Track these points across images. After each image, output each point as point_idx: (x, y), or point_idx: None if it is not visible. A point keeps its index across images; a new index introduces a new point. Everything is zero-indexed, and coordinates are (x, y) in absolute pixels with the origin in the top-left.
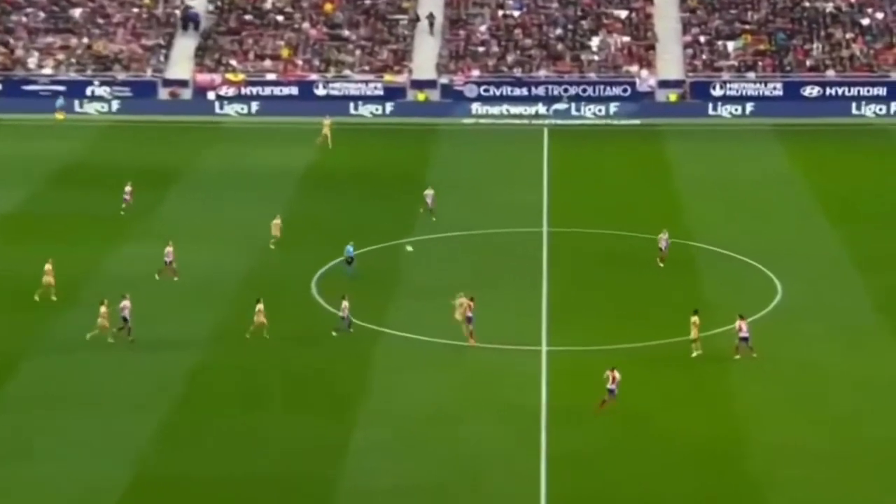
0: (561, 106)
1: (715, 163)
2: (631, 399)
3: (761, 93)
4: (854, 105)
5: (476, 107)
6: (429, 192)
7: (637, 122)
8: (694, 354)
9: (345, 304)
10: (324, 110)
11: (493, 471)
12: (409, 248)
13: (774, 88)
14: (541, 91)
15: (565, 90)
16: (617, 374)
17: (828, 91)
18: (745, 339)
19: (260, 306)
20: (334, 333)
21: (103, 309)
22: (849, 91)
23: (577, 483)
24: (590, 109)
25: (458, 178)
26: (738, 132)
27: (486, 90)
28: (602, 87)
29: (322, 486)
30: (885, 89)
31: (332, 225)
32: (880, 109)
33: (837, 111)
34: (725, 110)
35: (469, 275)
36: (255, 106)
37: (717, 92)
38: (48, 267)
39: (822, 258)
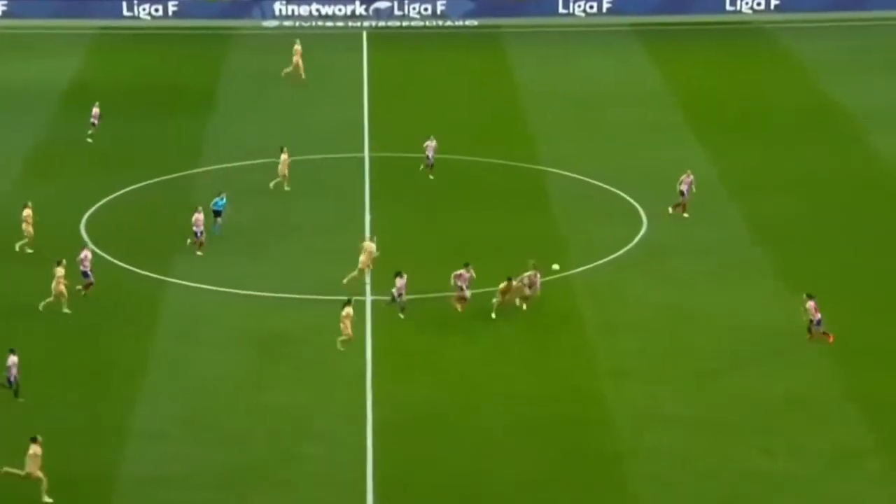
0: (382, 4)
1: (566, 70)
2: (465, 357)
3: None
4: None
5: (279, 6)
6: (430, 143)
7: (474, 22)
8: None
9: (400, 281)
10: (94, 10)
11: (311, 444)
12: (556, 267)
13: None
14: None
15: None
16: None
17: None
18: (818, 323)
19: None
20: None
21: None
22: None
23: (406, 452)
24: (415, 8)
25: (258, 95)
26: (592, 33)
27: None
28: None
29: (99, 475)
30: None
31: (101, 153)
32: (758, 4)
33: (709, 7)
34: (578, 7)
35: (277, 212)
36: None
37: None
38: None
39: (696, 180)
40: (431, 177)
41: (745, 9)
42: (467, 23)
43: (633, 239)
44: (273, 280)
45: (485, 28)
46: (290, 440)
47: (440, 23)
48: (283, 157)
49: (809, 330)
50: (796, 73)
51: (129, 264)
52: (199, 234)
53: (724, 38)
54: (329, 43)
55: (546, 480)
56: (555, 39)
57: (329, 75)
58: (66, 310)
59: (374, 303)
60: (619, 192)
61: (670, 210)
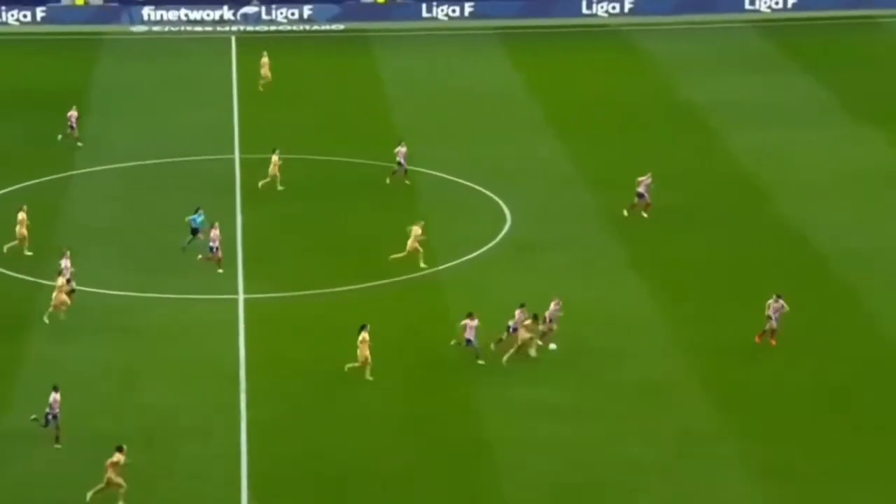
0: (249, 9)
1: (431, 72)
2: (336, 354)
3: None
4: (584, 3)
5: (148, 12)
6: (401, 149)
7: (340, 26)
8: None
9: (471, 323)
10: None
11: (186, 441)
12: (553, 347)
13: None
14: None
15: None
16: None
17: None
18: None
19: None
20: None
21: None
22: None
23: (280, 449)
24: (282, 13)
25: (127, 99)
26: (456, 36)
27: None
28: None
29: None
30: None
31: None
32: (613, 8)
33: (567, 10)
34: (441, 11)
35: (147, 213)
36: None
37: None
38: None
39: (554, 179)
40: (407, 181)
41: (600, 12)
42: (333, 27)
43: (497, 235)
44: (144, 279)
45: (351, 32)
46: (164, 438)
47: (307, 27)
48: (274, 158)
49: (767, 330)
50: (650, 72)
51: (3, 268)
52: (214, 250)
53: (583, 40)
54: (198, 48)
55: (417, 472)
56: (419, 43)
57: (199, 79)
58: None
59: (246, 301)
60: (483, 189)
61: (625, 213)
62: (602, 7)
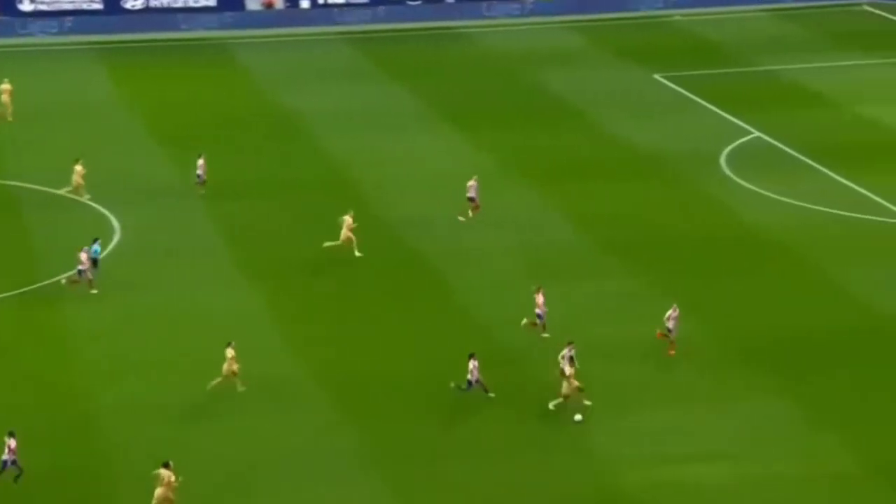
0: None
1: (30, 87)
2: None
3: (80, 7)
4: (181, 18)
5: None
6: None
7: None
8: None
9: (474, 363)
10: None
11: None
12: (579, 417)
13: (93, 2)
14: None
15: None
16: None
17: (152, 3)
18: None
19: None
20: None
21: None
22: (174, 3)
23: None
24: None
25: None
26: (54, 52)
27: None
28: None
29: None
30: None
31: None
32: (209, 23)
33: (162, 26)
34: (38, 27)
35: None
36: None
37: (27, 6)
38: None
39: (161, 188)
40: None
41: (197, 27)
42: None
43: (107, 246)
44: None
45: None
46: None
47: None
48: (78, 168)
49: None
50: (249, 83)
51: None
52: (82, 273)
53: (184, 54)
54: None
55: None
56: (14, 58)
57: None
58: None
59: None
60: (87, 202)
61: (462, 219)
62: (196, 21)
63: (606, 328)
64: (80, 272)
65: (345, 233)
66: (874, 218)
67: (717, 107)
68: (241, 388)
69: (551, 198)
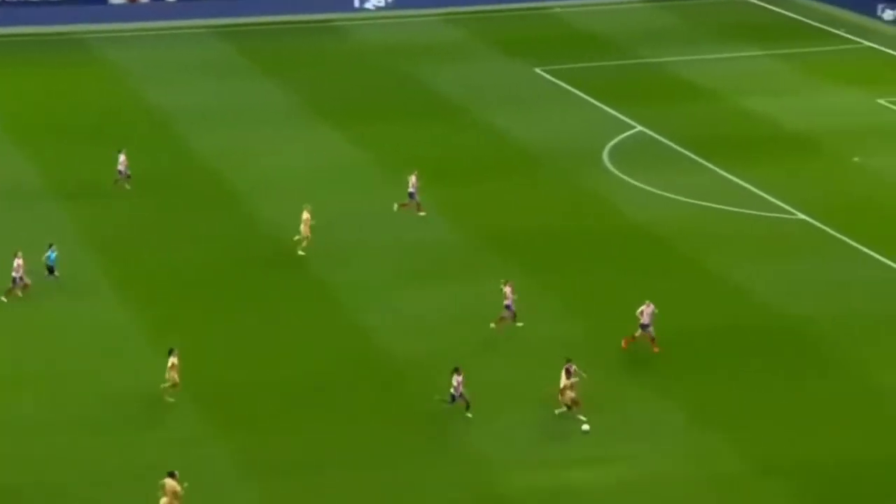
0: None
1: None
2: None
3: None
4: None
5: None
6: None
7: None
8: None
9: (458, 378)
10: None
11: None
12: (586, 427)
13: None
14: None
15: None
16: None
17: None
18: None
19: None
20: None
21: None
22: None
23: None
24: None
25: None
26: None
27: None
28: None
29: None
30: None
31: None
32: (76, 17)
33: (20, 20)
34: None
35: None
36: None
37: None
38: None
39: (19, 189)
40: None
41: (75, 22)
42: None
43: None
44: None
45: None
46: None
47: None
48: None
49: (640, 332)
50: (115, 79)
51: None
52: (17, 281)
53: (44, 50)
54: None
55: None
56: None
57: None
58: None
59: None
60: None
61: (411, 211)
62: (56, 15)
63: (485, 328)
64: (14, 280)
65: (304, 228)
66: (758, 213)
67: (599, 101)
68: (169, 399)
69: (431, 195)
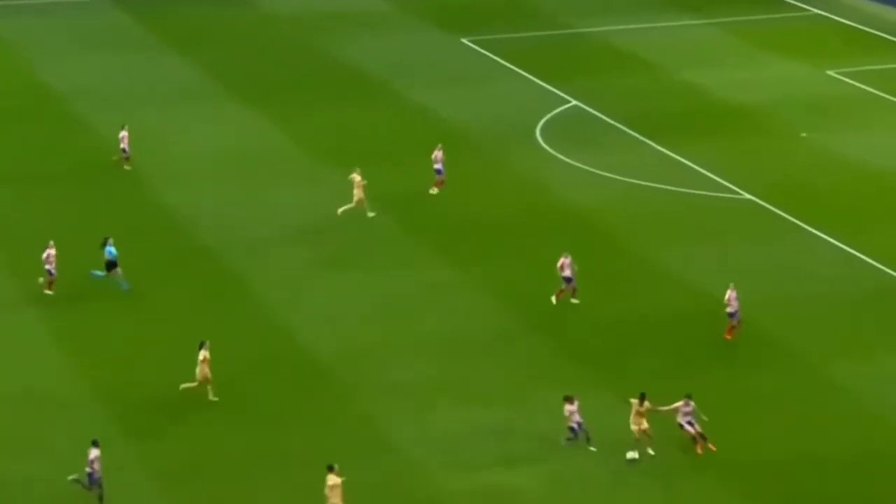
0: None
1: None
2: None
3: None
4: None
5: None
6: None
7: None
8: None
9: (570, 407)
10: None
11: None
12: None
13: None
14: None
15: None
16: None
17: None
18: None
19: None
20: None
21: None
22: None
23: None
24: None
25: None
26: None
27: None
28: None
29: None
30: None
31: None
32: None
33: None
34: None
35: None
36: None
37: None
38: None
39: None
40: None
41: None
42: None
43: None
44: None
45: None
46: None
47: None
48: None
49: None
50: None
51: None
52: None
53: None
54: None
55: None
56: None
57: None
58: None
59: None
60: None
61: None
62: None
63: (410, 320)
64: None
65: (357, 192)
66: (700, 192)
67: (531, 73)
68: (213, 398)
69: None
